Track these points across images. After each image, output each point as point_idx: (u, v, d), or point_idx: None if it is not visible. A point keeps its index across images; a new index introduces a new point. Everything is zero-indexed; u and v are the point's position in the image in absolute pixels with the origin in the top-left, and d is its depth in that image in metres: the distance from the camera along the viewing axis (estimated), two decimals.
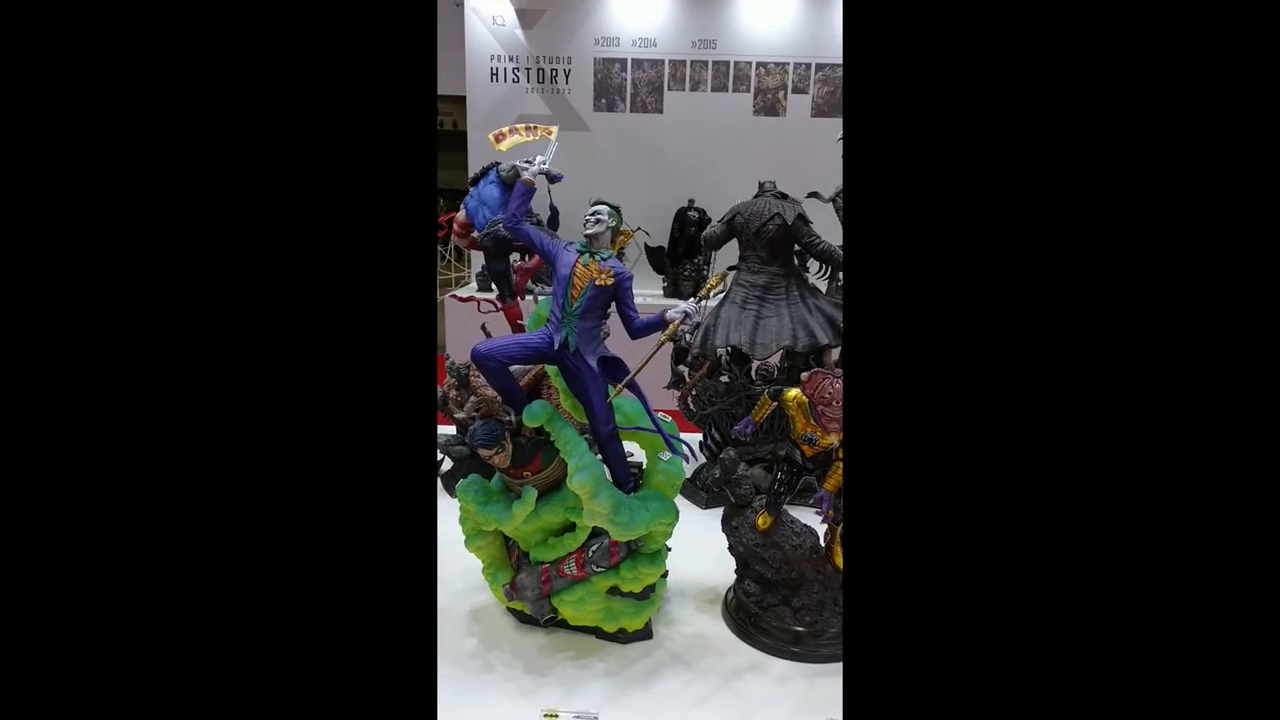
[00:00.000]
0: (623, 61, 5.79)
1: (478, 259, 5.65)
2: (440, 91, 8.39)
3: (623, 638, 2.33)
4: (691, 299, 2.26)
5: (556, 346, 2.17)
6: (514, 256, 3.25)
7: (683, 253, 5.61)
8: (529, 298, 3.26)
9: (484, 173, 3.09)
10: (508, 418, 2.25)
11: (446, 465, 3.27)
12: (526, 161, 2.26)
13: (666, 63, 5.77)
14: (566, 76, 5.81)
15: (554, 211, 3.23)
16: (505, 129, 2.38)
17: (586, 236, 2.21)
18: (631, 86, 5.83)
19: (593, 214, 2.23)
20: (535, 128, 2.38)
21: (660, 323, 2.20)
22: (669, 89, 5.82)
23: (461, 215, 3.14)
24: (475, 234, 3.10)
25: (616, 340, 2.25)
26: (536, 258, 3.25)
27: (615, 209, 2.25)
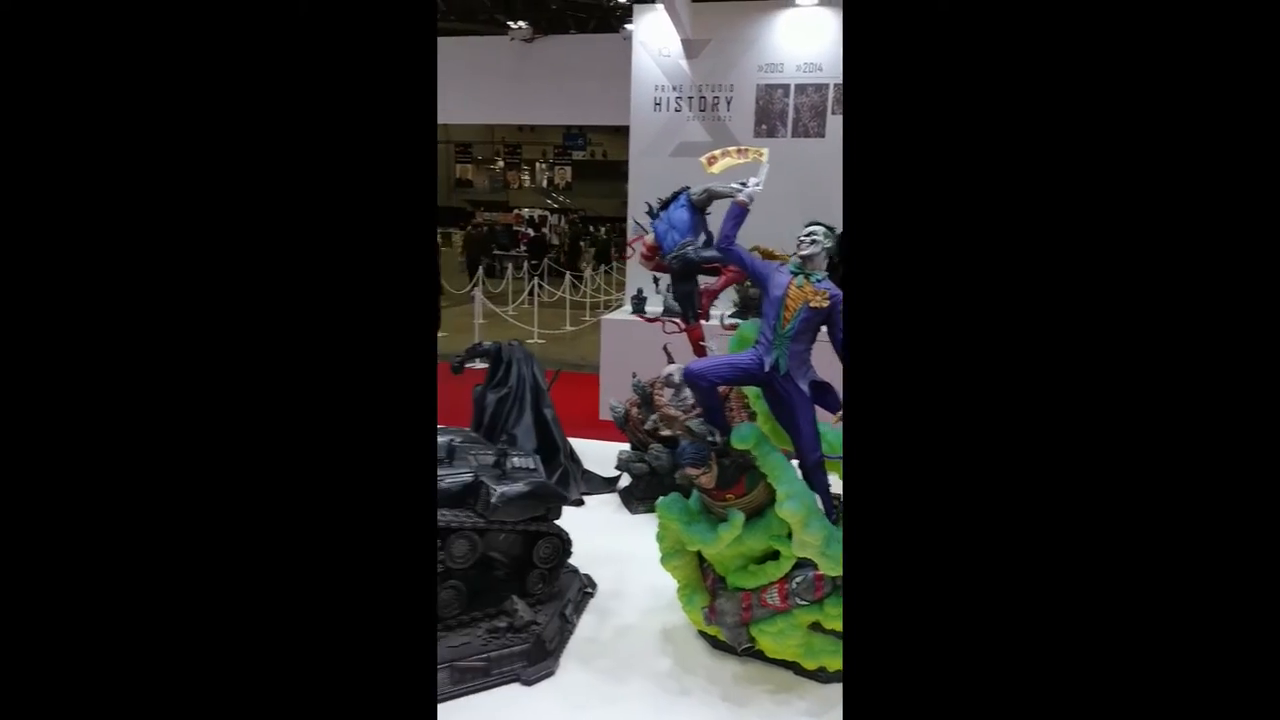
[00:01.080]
0: (785, 87, 5.77)
1: (635, 280, 5.78)
2: (604, 122, 8.71)
3: (822, 676, 2.22)
4: None
5: (767, 369, 2.14)
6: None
7: (841, 278, 5.45)
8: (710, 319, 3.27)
9: (674, 197, 3.15)
10: (712, 438, 2.24)
11: (625, 481, 3.32)
12: (740, 183, 2.28)
13: (831, 87, 5.69)
14: (728, 104, 5.86)
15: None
16: (717, 152, 2.41)
17: (801, 257, 2.18)
18: (794, 112, 5.78)
19: (808, 234, 2.20)
20: (746, 150, 2.40)
21: None
22: (832, 113, 5.72)
23: (650, 238, 3.21)
24: (662, 257, 3.16)
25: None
26: (722, 279, 3.26)
27: (830, 229, 2.20)
